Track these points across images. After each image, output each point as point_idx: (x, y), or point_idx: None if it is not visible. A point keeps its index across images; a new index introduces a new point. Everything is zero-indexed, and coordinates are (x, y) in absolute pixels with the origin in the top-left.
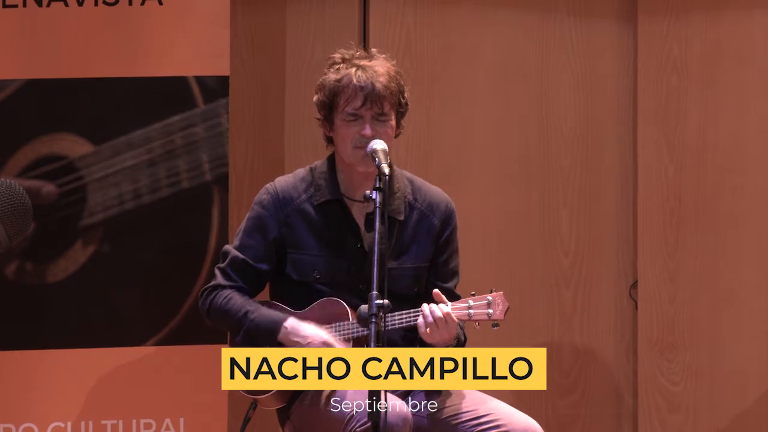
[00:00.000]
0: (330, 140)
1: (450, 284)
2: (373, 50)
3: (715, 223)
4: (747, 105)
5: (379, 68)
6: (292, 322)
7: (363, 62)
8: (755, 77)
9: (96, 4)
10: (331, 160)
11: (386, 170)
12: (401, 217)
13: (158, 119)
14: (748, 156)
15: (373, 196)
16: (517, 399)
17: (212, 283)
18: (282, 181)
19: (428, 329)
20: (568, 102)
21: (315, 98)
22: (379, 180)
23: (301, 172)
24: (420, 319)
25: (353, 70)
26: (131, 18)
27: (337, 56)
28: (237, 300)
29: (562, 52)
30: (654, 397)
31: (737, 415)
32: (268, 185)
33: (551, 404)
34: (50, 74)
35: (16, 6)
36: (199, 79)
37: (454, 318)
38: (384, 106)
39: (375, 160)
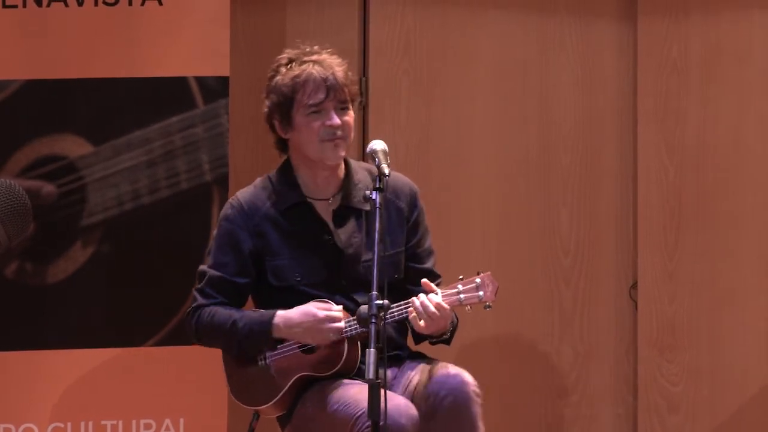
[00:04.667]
0: (284, 145)
1: (428, 264)
2: (316, 47)
3: (715, 223)
4: (746, 105)
5: (332, 60)
6: (279, 317)
7: (314, 57)
8: (755, 77)
9: (96, 4)
10: (286, 167)
11: (386, 170)
12: (367, 207)
13: (158, 120)
14: (748, 156)
15: (373, 197)
16: (516, 398)
17: (193, 305)
18: (244, 193)
19: (423, 322)
20: (568, 102)
21: (267, 102)
22: (379, 180)
23: (260, 181)
24: (413, 314)
25: (308, 65)
26: (131, 18)
27: (284, 58)
28: (221, 313)
29: (562, 52)
30: (654, 397)
31: (737, 416)
32: (231, 199)
33: (551, 404)
34: (50, 74)
35: (16, 6)
36: (199, 80)
37: (446, 306)
38: (345, 94)
39: (375, 160)
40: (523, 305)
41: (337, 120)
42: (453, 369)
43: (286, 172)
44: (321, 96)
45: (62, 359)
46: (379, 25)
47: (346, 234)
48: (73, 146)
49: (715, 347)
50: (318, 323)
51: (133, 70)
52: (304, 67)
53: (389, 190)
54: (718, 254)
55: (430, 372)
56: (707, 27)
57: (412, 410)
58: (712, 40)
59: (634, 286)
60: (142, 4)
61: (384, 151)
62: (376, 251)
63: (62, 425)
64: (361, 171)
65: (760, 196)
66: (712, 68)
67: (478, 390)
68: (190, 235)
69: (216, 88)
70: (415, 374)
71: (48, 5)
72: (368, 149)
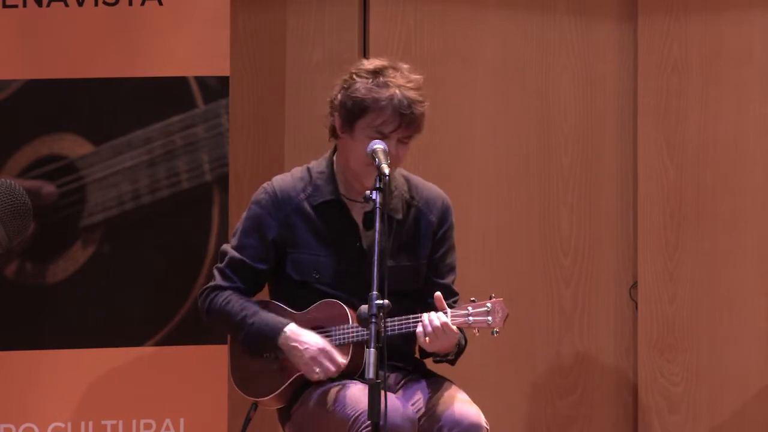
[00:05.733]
0: (335, 134)
1: (447, 280)
2: (405, 66)
3: (715, 224)
4: (747, 105)
5: (416, 94)
6: (292, 328)
7: (401, 81)
8: (755, 77)
9: (96, 4)
10: (329, 160)
11: (386, 170)
12: (399, 216)
13: (158, 119)
14: (748, 156)
15: (374, 197)
16: (516, 398)
17: (211, 283)
18: (280, 181)
19: (427, 338)
20: (568, 102)
21: (339, 98)
22: (380, 180)
23: (299, 171)
24: (419, 329)
25: (394, 91)
26: (131, 18)
27: (371, 63)
28: (235, 303)
29: (562, 52)
30: (654, 397)
31: (737, 416)
32: (265, 184)
33: (551, 404)
34: (50, 74)
35: (16, 6)
36: (199, 80)
37: (453, 328)
38: (413, 131)
39: (375, 161)
40: (523, 305)
41: (393, 152)
42: (467, 408)
43: (328, 165)
44: (392, 127)
45: (62, 359)
46: (379, 25)
47: (373, 238)
48: (73, 146)
49: (715, 347)
50: (318, 352)
51: (134, 70)
52: (388, 92)
53: (421, 202)
54: (719, 254)
55: (444, 402)
56: (707, 27)
57: (411, 411)
58: (712, 40)
59: (634, 286)
60: (142, 4)
61: (384, 151)
62: (377, 251)
63: (62, 425)
64: (399, 178)
65: (760, 196)
66: (713, 68)
67: None
68: (190, 235)
69: (216, 88)
70: (426, 396)
71: (48, 5)
72: (368, 149)
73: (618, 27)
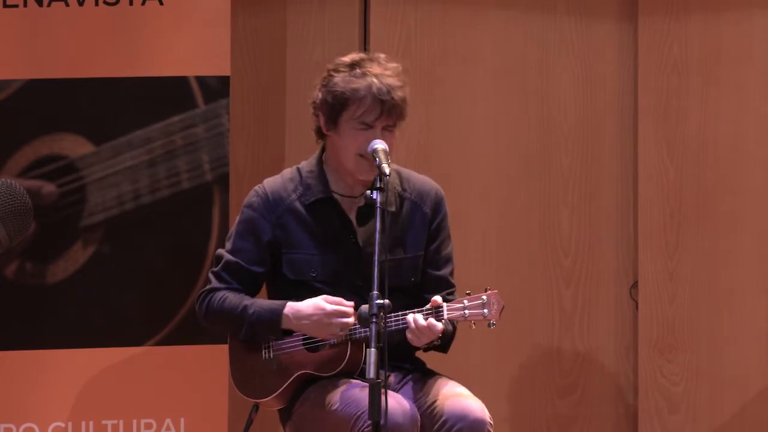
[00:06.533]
0: (322, 134)
1: (444, 271)
2: (381, 55)
3: (715, 223)
4: (747, 105)
5: (395, 80)
6: (290, 308)
7: (378, 70)
8: (755, 77)
9: (96, 4)
10: (318, 159)
11: (387, 170)
12: (393, 209)
13: (158, 119)
14: (748, 156)
15: (374, 196)
16: (517, 398)
17: (207, 287)
18: (270, 182)
19: (410, 335)
20: (568, 102)
21: (319, 96)
22: (380, 180)
23: (288, 172)
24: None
25: (372, 80)
26: (132, 18)
27: (348, 58)
28: (233, 298)
29: (562, 52)
30: (654, 397)
31: (737, 416)
32: (256, 187)
33: (551, 404)
34: (50, 74)
35: (16, 6)
36: (200, 80)
37: (438, 326)
38: (396, 118)
39: (375, 160)
40: (523, 305)
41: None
42: (471, 402)
43: (318, 164)
44: (374, 116)
45: (62, 359)
46: (379, 25)
47: (368, 233)
48: (73, 146)
49: (716, 347)
50: (326, 317)
51: (134, 69)
52: (366, 81)
53: (414, 194)
54: (719, 254)
55: (447, 397)
56: (708, 27)
57: (413, 409)
58: (712, 40)
59: (635, 286)
60: (143, 3)
61: (384, 151)
62: (377, 250)
63: (62, 425)
64: (390, 171)
65: (760, 196)
66: (713, 68)
67: (492, 428)
68: (190, 235)
69: (217, 88)
70: (427, 394)
71: (48, 5)
72: (369, 149)
73: (618, 27)
